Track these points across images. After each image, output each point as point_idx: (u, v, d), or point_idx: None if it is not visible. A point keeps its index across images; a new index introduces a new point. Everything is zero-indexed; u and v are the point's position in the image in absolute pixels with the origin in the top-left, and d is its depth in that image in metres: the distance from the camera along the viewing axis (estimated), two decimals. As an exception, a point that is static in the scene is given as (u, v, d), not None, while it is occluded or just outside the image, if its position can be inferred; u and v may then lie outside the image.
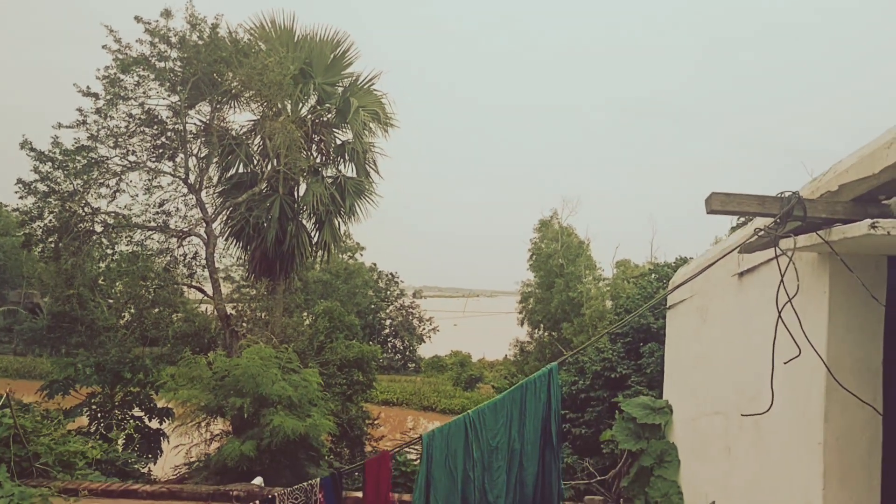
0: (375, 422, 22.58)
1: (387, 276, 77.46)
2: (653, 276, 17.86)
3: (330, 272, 71.17)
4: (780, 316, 4.21)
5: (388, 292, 78.21)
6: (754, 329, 5.74)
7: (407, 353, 77.22)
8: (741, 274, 6.14)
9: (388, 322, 77.27)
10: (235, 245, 22.87)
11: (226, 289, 25.60)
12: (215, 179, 21.75)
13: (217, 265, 19.50)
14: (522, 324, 49.97)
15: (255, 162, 22.45)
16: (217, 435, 17.21)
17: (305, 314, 28.42)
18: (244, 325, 18.21)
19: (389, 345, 77.87)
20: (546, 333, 47.47)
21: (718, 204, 4.18)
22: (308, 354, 17.56)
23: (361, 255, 76.95)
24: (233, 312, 19.49)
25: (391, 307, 77.61)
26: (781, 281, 4.16)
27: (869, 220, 3.65)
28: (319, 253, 24.10)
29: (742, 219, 13.25)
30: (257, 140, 22.44)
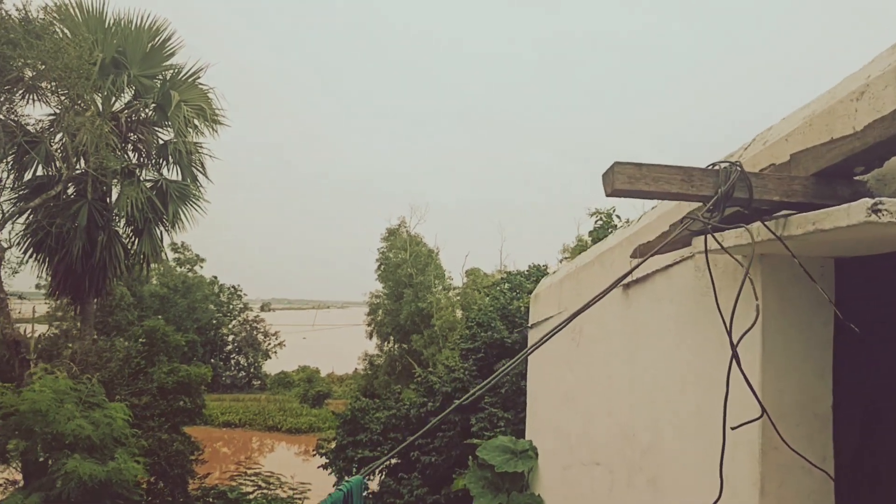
0: (200, 456, 20.12)
1: (229, 289, 73.53)
2: (505, 285, 16.69)
3: (167, 286, 66.69)
4: (733, 347, 2.75)
5: (231, 306, 74.35)
6: (648, 359, 4.35)
7: (252, 370, 73.52)
8: (627, 286, 4.75)
9: (230, 338, 73.37)
10: (36, 258, 19.78)
11: (36, 307, 22.35)
12: (6, 182, 18.66)
13: (5, 281, 16.57)
14: (371, 336, 48.24)
15: (59, 163, 19.52)
16: (1, 485, 14.44)
17: (122, 338, 25.43)
18: (36, 352, 15.43)
19: (233, 362, 73.94)
20: (395, 346, 45.99)
21: (625, 181, 2.68)
22: (117, 383, 15.11)
23: (202, 267, 72.83)
24: (28, 337, 16.60)
25: (234, 322, 73.79)
26: (739, 292, 2.69)
27: (867, 202, 2.24)
28: (137, 266, 21.36)
29: (599, 220, 12.21)
30: (60, 137, 19.52)
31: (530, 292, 15.79)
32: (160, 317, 65.87)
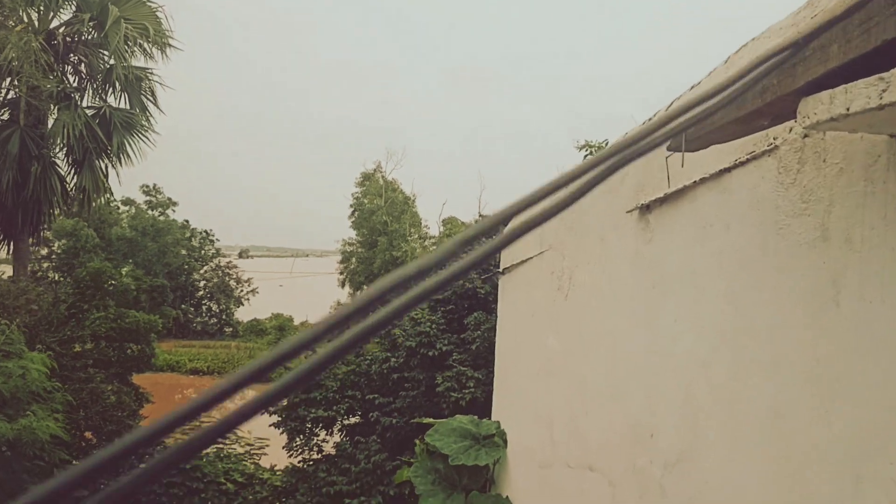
0: (155, 407, 18.55)
1: (200, 233, 71.45)
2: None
3: (136, 229, 64.59)
4: None
5: (203, 252, 72.40)
6: (680, 320, 2.70)
7: (223, 316, 71.88)
8: (646, 207, 3.10)
9: (202, 284, 71.58)
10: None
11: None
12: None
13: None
14: (343, 285, 46.61)
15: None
16: None
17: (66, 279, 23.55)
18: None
19: (204, 308, 72.26)
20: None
21: None
22: (42, 330, 13.44)
23: (174, 210, 70.70)
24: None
25: (206, 268, 71.90)
26: None
27: None
28: (77, 203, 19.47)
29: (589, 155, 10.54)
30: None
31: None
32: (130, 260, 64.14)
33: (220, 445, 18.94)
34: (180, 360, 52.72)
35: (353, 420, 14.29)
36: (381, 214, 40.66)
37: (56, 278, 54.62)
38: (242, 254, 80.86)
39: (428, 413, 12.99)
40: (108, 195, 20.38)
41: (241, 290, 72.80)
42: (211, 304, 72.43)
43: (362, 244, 42.84)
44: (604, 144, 10.61)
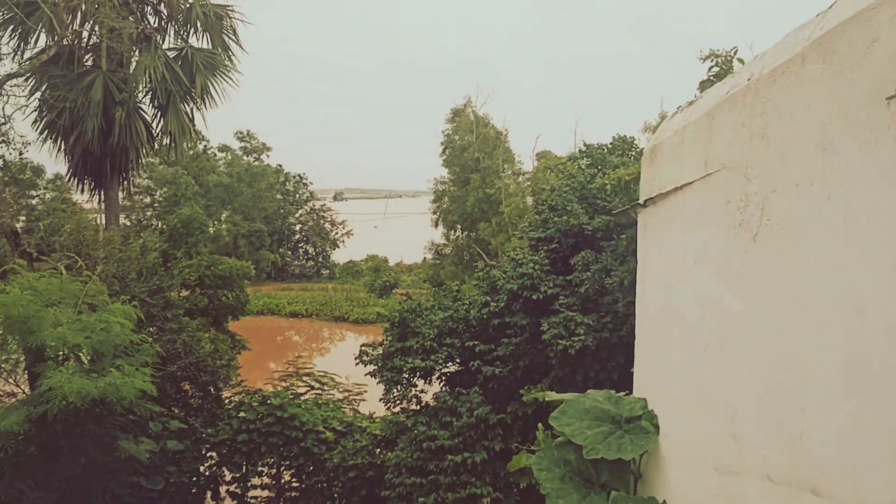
0: (235, 357, 18.26)
1: (294, 178, 71.93)
2: (583, 161, 13.64)
3: (232, 175, 65.40)
4: None
5: (298, 195, 73.02)
6: None
7: (320, 259, 72.71)
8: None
9: (298, 227, 72.39)
10: (50, 139, 17.62)
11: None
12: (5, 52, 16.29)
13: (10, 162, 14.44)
14: (437, 224, 45.81)
15: (68, 29, 17.01)
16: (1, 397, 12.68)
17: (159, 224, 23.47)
18: (40, 244, 13.34)
19: (301, 251, 73.24)
20: (463, 234, 43.55)
21: None
22: (131, 280, 12.99)
23: (268, 156, 71.34)
24: (34, 226, 14.54)
25: (301, 211, 72.58)
26: None
27: None
28: (165, 147, 19.06)
29: (715, 66, 9.02)
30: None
31: (616, 167, 12.82)
32: (228, 206, 65.12)
33: (319, 391, 18.59)
34: (279, 303, 53.28)
35: (451, 368, 13.43)
36: (472, 151, 39.36)
37: (159, 226, 56.07)
38: (337, 196, 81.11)
39: (534, 362, 11.97)
40: (205, 141, 19.95)
41: (337, 233, 73.34)
42: (307, 248, 73.33)
43: (454, 182, 41.72)
44: (731, 54, 9.08)
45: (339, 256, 74.06)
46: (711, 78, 8.84)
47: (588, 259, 11.25)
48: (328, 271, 72.32)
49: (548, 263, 11.88)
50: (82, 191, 18.05)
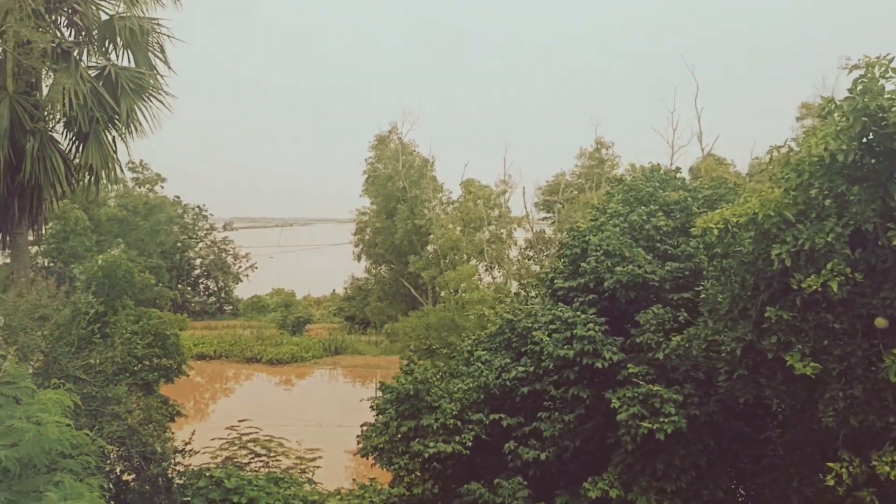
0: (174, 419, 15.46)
1: (193, 209, 67.68)
2: (618, 195, 11.52)
3: (126, 208, 60.75)
4: None
5: (196, 227, 68.75)
6: None
7: (222, 294, 68.54)
8: None
9: (198, 261, 68.11)
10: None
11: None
12: None
13: None
14: (360, 258, 43.25)
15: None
16: None
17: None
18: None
19: (202, 286, 68.84)
20: (384, 267, 41.23)
21: None
22: (60, 352, 10.22)
23: (162, 187, 66.88)
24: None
25: (201, 244, 68.33)
26: None
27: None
28: (83, 183, 16.11)
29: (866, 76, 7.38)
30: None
31: (679, 202, 11.06)
32: (119, 240, 60.27)
33: (264, 459, 16.14)
34: (183, 343, 49.03)
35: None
36: (398, 179, 37.24)
37: (46, 264, 51.10)
38: (226, 226, 77.08)
39: (587, 444, 9.89)
40: (120, 172, 17.01)
41: (239, 266, 69.51)
42: (208, 283, 69.13)
43: (379, 213, 39.41)
44: (887, 62, 7.51)
45: (240, 291, 70.23)
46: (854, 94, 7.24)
47: (662, 317, 9.39)
48: (231, 307, 68.39)
49: (603, 322, 9.93)
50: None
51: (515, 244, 36.78)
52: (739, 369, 8.25)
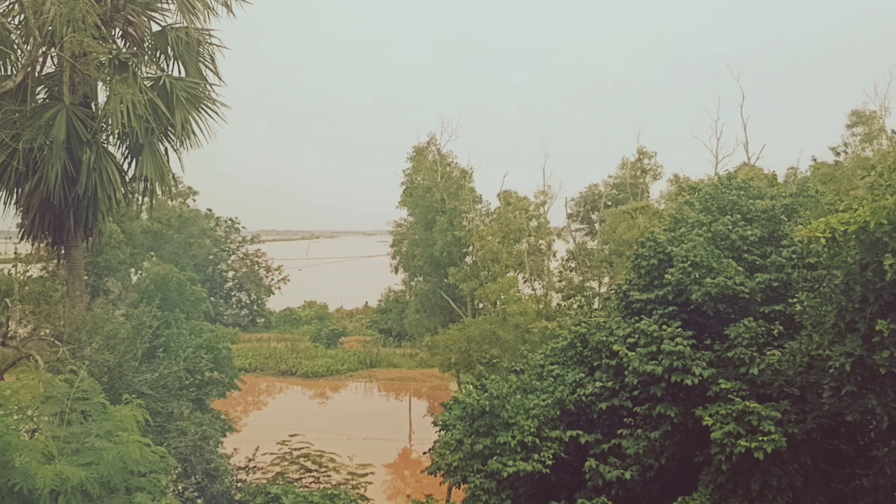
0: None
1: (226, 222, 67.89)
2: (697, 203, 11.10)
3: (160, 221, 61.00)
4: None
5: (229, 240, 68.94)
6: None
7: (255, 307, 68.56)
8: None
9: (230, 274, 68.23)
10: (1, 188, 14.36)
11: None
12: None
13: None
14: (397, 270, 42.95)
15: (18, 52, 13.94)
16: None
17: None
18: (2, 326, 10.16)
19: (234, 299, 68.90)
20: (421, 279, 40.80)
21: None
22: (125, 370, 9.95)
23: (194, 200, 67.16)
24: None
25: (233, 257, 68.49)
26: None
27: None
28: (137, 196, 15.97)
29: None
30: (19, 20, 13.93)
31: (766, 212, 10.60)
32: (152, 253, 60.52)
33: (315, 475, 15.87)
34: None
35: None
36: (436, 191, 36.91)
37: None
38: (254, 239, 77.37)
39: (688, 466, 9.43)
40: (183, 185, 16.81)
41: (272, 279, 69.58)
42: (240, 295, 69.24)
43: (417, 224, 39.06)
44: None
45: (271, 304, 70.35)
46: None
47: (755, 330, 8.95)
48: (263, 319, 68.45)
49: (691, 336, 9.50)
50: (38, 250, 14.75)
51: (555, 255, 36.22)
52: (848, 385, 7.78)
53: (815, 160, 34.56)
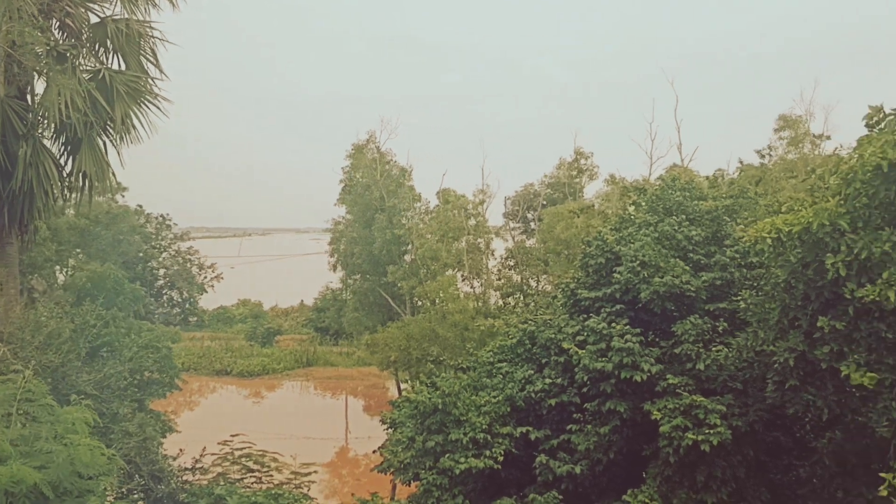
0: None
1: (156, 218, 66.29)
2: (643, 204, 11.44)
3: (87, 217, 59.16)
4: None
5: (159, 237, 67.32)
6: None
7: (187, 305, 67.18)
8: None
9: (161, 272, 66.65)
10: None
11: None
12: None
13: None
14: (335, 268, 42.67)
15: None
16: None
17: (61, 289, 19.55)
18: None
19: (165, 297, 67.36)
20: (359, 277, 40.61)
21: None
22: (69, 370, 9.71)
23: (123, 196, 65.34)
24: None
25: (164, 255, 66.91)
26: None
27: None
28: (74, 193, 15.56)
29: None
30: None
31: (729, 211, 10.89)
32: (79, 250, 58.66)
33: (258, 474, 15.76)
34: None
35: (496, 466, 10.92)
36: (375, 189, 36.83)
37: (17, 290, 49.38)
38: (183, 236, 75.95)
39: (628, 457, 9.72)
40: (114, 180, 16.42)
41: (204, 277, 68.27)
42: (172, 293, 67.83)
43: (355, 223, 38.90)
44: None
45: (204, 302, 69.07)
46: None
47: (701, 327, 9.27)
48: (196, 318, 67.14)
49: (639, 333, 9.78)
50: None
51: (493, 254, 36.57)
52: (791, 380, 8.16)
53: (741, 162, 35.92)
